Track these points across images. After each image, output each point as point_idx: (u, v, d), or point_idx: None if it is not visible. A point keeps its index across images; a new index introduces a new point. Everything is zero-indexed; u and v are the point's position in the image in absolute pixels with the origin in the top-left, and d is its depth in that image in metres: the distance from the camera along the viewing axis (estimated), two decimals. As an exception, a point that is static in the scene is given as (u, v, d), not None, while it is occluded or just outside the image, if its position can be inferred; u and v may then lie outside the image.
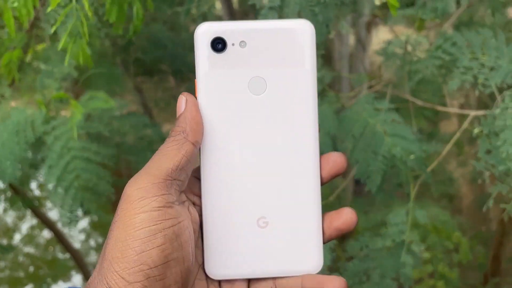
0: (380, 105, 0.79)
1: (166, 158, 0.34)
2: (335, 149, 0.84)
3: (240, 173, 0.36)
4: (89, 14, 0.60)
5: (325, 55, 0.85)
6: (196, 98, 0.37)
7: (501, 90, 0.75)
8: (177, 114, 0.36)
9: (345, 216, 0.37)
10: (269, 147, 0.37)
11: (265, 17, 0.64)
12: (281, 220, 0.37)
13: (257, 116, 0.37)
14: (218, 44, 0.36)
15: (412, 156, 0.73)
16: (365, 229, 1.86)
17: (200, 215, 0.37)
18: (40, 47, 1.13)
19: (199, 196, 0.37)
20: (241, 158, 0.36)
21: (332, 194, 1.08)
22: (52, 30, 0.61)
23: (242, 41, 0.36)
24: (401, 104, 1.03)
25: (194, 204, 0.37)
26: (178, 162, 0.33)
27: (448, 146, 0.83)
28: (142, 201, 0.31)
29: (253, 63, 0.36)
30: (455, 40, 0.81)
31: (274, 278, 0.37)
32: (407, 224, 0.73)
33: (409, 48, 0.92)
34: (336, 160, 0.38)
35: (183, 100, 0.36)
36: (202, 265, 0.36)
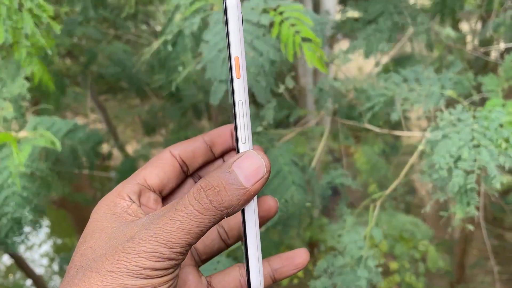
0: (294, 158, 0.84)
1: (192, 229, 0.29)
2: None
3: None
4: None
5: (291, 70, 0.89)
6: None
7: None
8: (241, 174, 0.29)
9: (268, 203, 0.37)
10: None
11: (216, 88, 0.72)
12: None
13: None
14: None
15: (308, 204, 0.79)
16: (332, 248, 1.88)
17: None
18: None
19: None
20: None
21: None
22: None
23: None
24: (364, 132, 1.09)
25: None
26: (203, 235, 0.30)
27: (407, 167, 0.89)
28: (152, 272, 0.29)
29: None
30: (393, 79, 0.92)
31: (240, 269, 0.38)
32: (364, 241, 0.78)
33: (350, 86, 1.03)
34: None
35: (260, 171, 0.30)
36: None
